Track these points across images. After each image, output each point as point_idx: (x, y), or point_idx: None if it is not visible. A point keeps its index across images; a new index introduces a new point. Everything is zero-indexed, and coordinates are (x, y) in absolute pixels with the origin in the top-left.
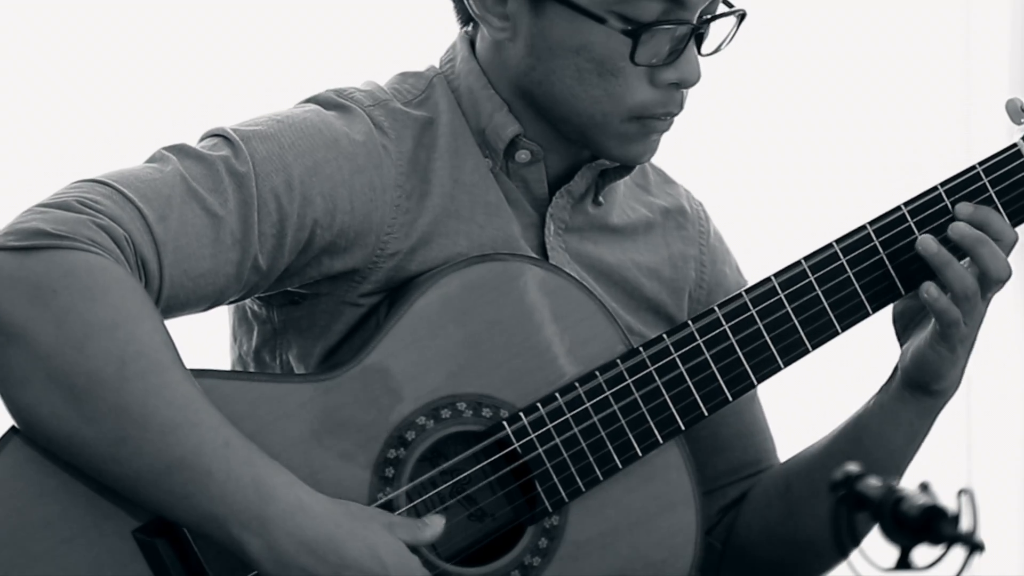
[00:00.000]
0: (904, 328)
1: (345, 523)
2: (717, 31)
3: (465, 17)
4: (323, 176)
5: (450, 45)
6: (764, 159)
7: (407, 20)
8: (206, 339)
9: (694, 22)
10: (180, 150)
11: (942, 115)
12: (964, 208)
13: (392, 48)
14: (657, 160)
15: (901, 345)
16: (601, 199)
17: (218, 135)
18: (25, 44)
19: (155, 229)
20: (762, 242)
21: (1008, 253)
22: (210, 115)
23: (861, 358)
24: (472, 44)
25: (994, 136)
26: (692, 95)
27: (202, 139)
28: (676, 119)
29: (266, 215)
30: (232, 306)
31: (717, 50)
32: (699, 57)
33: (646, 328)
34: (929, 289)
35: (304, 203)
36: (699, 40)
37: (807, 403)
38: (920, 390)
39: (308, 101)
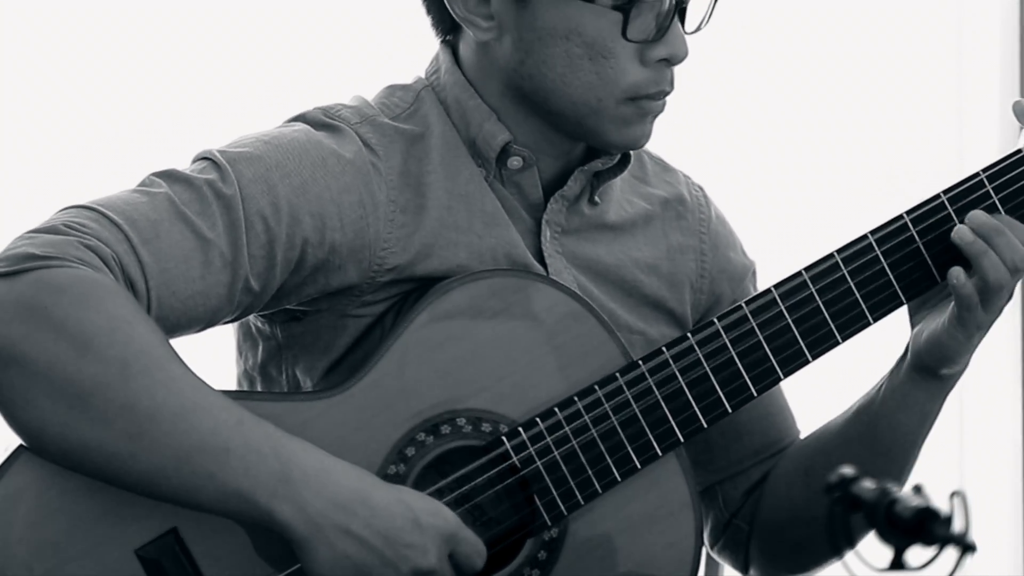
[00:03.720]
0: (916, 311)
1: (367, 478)
2: (695, 11)
3: (445, 27)
4: (311, 195)
5: (433, 56)
6: (756, 161)
7: (397, 30)
8: (209, 353)
9: None
10: (168, 175)
11: (934, 116)
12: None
13: (383, 58)
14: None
15: (913, 327)
16: (597, 199)
17: (206, 158)
18: (30, 51)
19: (140, 251)
20: (756, 244)
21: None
22: (209, 125)
23: (877, 352)
24: (454, 53)
25: (986, 134)
26: (685, 99)
27: (192, 162)
28: (676, 123)
29: (254, 237)
30: (237, 323)
31: (698, 29)
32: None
33: (647, 325)
34: (958, 275)
35: (292, 223)
36: (682, 16)
37: (819, 385)
38: (929, 373)
39: (295, 119)
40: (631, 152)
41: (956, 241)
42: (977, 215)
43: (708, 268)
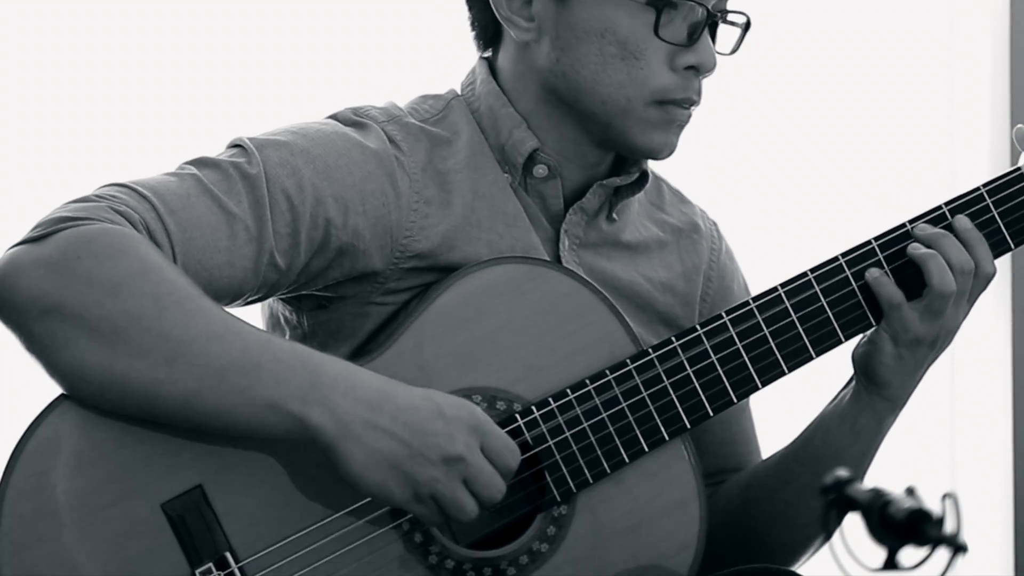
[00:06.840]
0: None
1: (392, 380)
2: (725, 39)
3: (487, 38)
4: (335, 179)
5: (470, 71)
6: (746, 172)
7: (429, 46)
8: None
9: (709, 7)
10: (198, 160)
11: (926, 128)
12: (961, 221)
13: (414, 72)
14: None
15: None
16: (615, 216)
17: (236, 144)
18: (38, 53)
19: (167, 220)
20: (748, 252)
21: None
22: (232, 131)
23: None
24: (491, 68)
25: (977, 144)
26: None
27: (224, 149)
28: None
29: (279, 214)
30: (266, 311)
31: (731, 53)
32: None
33: (659, 340)
34: (874, 273)
35: (316, 203)
36: (712, 31)
37: (805, 406)
38: (863, 384)
39: (329, 118)
40: (649, 175)
41: (908, 252)
42: (925, 227)
43: (711, 295)
